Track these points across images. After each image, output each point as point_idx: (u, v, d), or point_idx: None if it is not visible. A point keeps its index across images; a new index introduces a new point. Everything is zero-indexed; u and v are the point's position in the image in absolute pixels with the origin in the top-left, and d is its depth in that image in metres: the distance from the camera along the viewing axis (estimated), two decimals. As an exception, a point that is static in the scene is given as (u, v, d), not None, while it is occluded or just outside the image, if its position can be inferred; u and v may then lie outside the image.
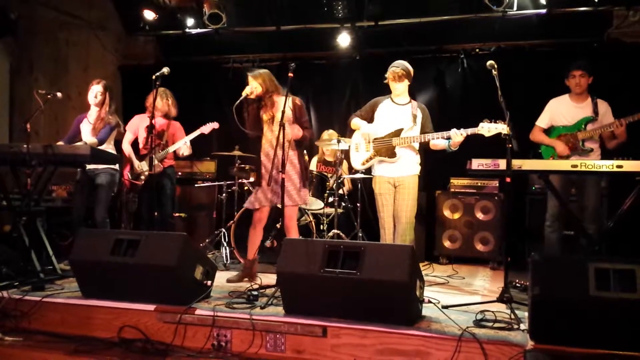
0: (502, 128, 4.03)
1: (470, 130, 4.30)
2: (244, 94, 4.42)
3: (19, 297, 3.75)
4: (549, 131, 4.89)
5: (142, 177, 5.36)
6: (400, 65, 4.62)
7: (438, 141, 4.55)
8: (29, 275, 4.22)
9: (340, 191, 5.73)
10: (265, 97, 4.51)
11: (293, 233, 4.51)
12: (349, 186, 6.39)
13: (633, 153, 3.67)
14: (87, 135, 5.12)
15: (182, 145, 5.35)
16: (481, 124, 4.19)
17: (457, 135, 4.33)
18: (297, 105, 4.54)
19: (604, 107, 4.69)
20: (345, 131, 6.13)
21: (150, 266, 3.54)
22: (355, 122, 4.82)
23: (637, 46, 6.04)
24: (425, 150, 4.87)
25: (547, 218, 4.76)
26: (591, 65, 4.76)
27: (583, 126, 4.68)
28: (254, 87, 4.46)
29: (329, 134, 6.18)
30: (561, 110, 4.83)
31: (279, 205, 4.24)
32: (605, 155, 4.71)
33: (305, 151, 6.14)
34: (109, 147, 5.20)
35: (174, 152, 5.45)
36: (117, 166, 5.26)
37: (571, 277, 2.91)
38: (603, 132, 4.64)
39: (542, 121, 4.92)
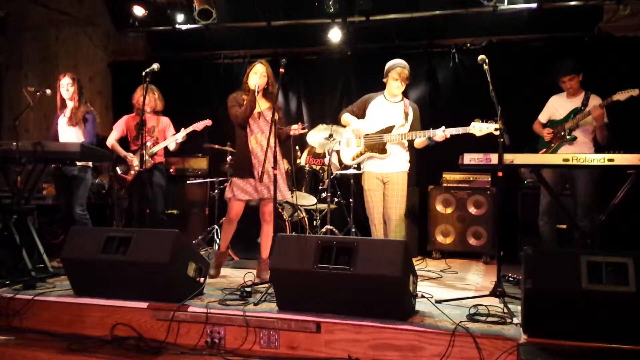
0: (493, 128, 4.05)
1: (461, 130, 4.32)
2: (255, 87, 4.32)
3: (10, 296, 3.73)
4: (549, 125, 5.05)
5: (132, 172, 5.35)
6: (406, 67, 4.62)
7: (421, 139, 4.56)
8: (20, 273, 4.19)
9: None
10: (265, 90, 4.47)
11: (272, 225, 4.43)
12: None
13: (624, 146, 3.69)
14: (66, 131, 5.18)
15: (172, 141, 5.33)
16: (472, 124, 4.23)
17: (441, 134, 4.39)
18: (279, 108, 4.53)
19: (595, 100, 4.77)
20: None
21: (142, 263, 3.52)
22: (345, 118, 4.81)
23: (627, 40, 6.07)
24: (414, 147, 4.88)
25: (540, 212, 4.89)
26: (578, 63, 4.86)
27: (572, 116, 4.84)
28: (262, 75, 4.40)
29: (324, 127, 6.14)
30: (557, 106, 5.01)
31: (261, 199, 4.46)
32: (599, 150, 4.75)
33: (297, 146, 6.17)
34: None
35: (165, 147, 5.44)
36: (90, 163, 5.26)
37: (563, 271, 2.92)
38: (589, 123, 4.76)
39: (542, 116, 5.14)
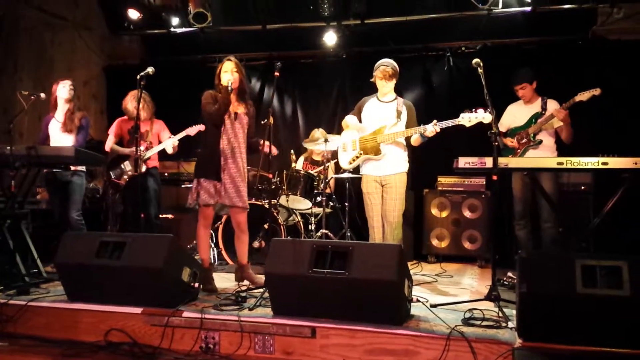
0: (482, 117, 4.10)
1: (450, 122, 4.33)
2: (228, 83, 4.11)
3: (3, 302, 3.71)
4: (509, 133, 5.11)
5: (125, 177, 5.34)
6: (389, 64, 4.63)
7: (415, 136, 4.57)
8: (13, 279, 4.17)
9: (327, 191, 5.71)
10: (238, 89, 4.26)
11: (247, 233, 4.35)
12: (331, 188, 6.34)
13: (618, 150, 3.70)
14: (60, 137, 5.15)
15: (169, 145, 5.32)
16: (462, 115, 4.26)
17: (432, 128, 4.40)
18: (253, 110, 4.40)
19: (552, 104, 4.88)
20: (334, 131, 6.13)
21: (136, 268, 3.51)
22: (345, 120, 4.84)
23: (621, 43, 6.09)
24: (412, 148, 4.88)
25: (516, 217, 5.00)
26: (529, 72, 4.95)
27: (533, 121, 4.92)
28: (233, 71, 4.20)
29: (321, 132, 6.14)
30: (515, 114, 5.09)
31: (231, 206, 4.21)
32: (564, 150, 4.82)
33: (292, 150, 6.16)
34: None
35: (159, 151, 5.42)
36: (84, 168, 5.24)
37: (558, 275, 2.91)
38: (551, 126, 4.84)
39: (501, 125, 5.15)
